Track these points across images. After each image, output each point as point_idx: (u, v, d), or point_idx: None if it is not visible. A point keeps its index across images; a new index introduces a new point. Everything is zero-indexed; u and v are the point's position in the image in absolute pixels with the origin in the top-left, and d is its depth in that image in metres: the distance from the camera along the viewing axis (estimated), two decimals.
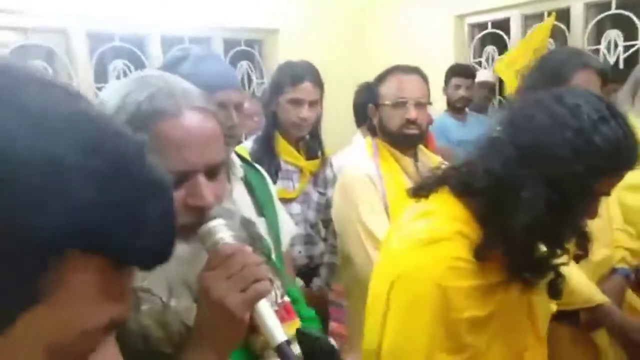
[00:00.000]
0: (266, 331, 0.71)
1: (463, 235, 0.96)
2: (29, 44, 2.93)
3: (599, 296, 1.42)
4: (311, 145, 2.01)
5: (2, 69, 0.36)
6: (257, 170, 1.58)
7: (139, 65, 3.26)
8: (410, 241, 1.01)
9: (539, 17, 3.49)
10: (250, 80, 3.87)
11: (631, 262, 1.61)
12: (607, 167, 0.92)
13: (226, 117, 1.35)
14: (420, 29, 3.87)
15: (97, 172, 0.34)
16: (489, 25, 3.78)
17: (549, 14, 3.28)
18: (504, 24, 3.69)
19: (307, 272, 2.02)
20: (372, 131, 1.85)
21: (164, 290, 0.73)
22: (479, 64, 3.92)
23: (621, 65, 3.14)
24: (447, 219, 0.99)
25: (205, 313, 0.71)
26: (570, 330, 1.46)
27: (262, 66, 3.89)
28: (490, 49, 3.84)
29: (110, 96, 0.74)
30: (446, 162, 1.93)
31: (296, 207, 1.93)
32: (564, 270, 1.02)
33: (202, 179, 0.73)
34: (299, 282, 1.93)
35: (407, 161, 1.75)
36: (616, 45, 3.21)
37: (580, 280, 1.39)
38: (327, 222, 2.04)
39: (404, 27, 3.97)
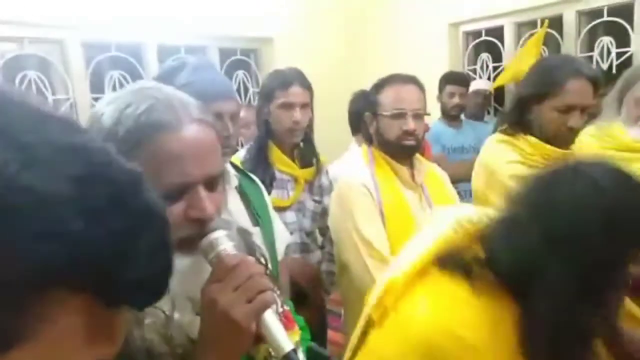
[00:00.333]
0: (273, 341, 0.71)
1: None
2: (24, 54, 2.93)
3: None
4: (305, 152, 2.02)
5: None
6: (252, 180, 1.58)
7: (136, 75, 3.26)
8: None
9: (532, 24, 3.52)
10: (246, 89, 3.88)
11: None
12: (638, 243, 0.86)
13: (222, 127, 1.35)
14: (415, 37, 3.89)
15: (88, 205, 0.32)
16: (483, 33, 3.82)
17: (542, 21, 3.31)
18: (497, 32, 3.72)
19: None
20: (368, 139, 1.85)
21: (167, 303, 0.73)
22: (474, 71, 3.94)
23: (614, 72, 3.16)
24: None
25: (210, 325, 0.70)
26: None
27: (258, 75, 3.90)
28: (484, 56, 3.87)
29: (107, 108, 0.74)
30: (441, 170, 1.95)
31: (291, 216, 1.94)
32: None
33: (202, 191, 0.73)
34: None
35: (403, 169, 1.75)
36: (609, 52, 3.23)
37: None
38: (324, 230, 2.04)
39: (398, 35, 3.99)
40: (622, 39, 3.18)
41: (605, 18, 3.21)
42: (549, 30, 3.29)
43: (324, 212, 2.00)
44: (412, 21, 3.92)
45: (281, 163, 1.94)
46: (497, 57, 3.75)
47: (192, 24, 3.34)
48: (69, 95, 3.09)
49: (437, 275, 0.93)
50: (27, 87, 2.91)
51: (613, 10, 3.18)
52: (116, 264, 0.33)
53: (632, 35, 3.11)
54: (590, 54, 3.31)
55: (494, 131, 1.86)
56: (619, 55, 3.20)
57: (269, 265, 1.01)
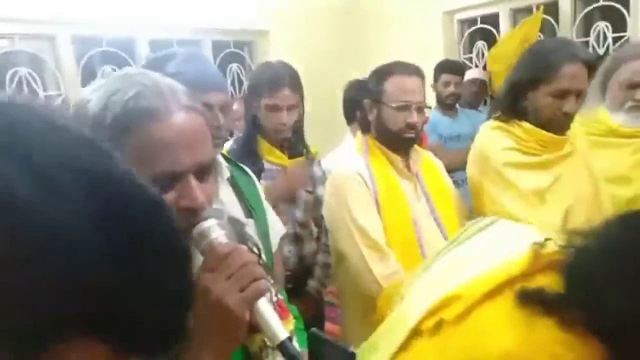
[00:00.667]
0: (267, 329, 0.70)
1: None
2: (15, 50, 2.91)
3: None
4: (294, 143, 2.00)
5: (5, 111, 0.32)
6: (244, 172, 1.56)
7: None
8: None
9: (527, 11, 3.49)
10: (240, 82, 3.86)
11: None
12: None
13: (212, 117, 1.33)
14: (409, 26, 3.87)
15: (110, 248, 0.29)
16: (478, 20, 3.79)
17: (538, 7, 3.28)
18: (493, 19, 3.70)
19: (300, 273, 2.00)
20: (364, 126, 1.82)
21: None
22: (470, 59, 3.92)
23: None
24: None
25: (204, 315, 0.69)
26: None
27: (252, 68, 3.88)
28: (480, 44, 3.85)
29: (93, 95, 0.73)
30: (436, 158, 1.94)
31: (282, 206, 1.92)
32: None
33: (192, 180, 0.72)
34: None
35: (398, 159, 1.74)
36: (605, 37, 3.22)
37: None
38: (319, 221, 2.02)
39: (393, 24, 3.97)
40: (619, 24, 3.16)
41: (602, 3, 3.19)
42: (545, 16, 3.27)
43: (318, 203, 1.98)
44: (406, 10, 3.90)
45: (270, 154, 1.93)
46: (492, 45, 3.72)
47: (184, 17, 3.31)
48: (60, 91, 3.07)
49: (512, 299, 0.84)
50: (18, 84, 2.89)
51: None
52: (140, 311, 0.31)
53: (629, 20, 3.09)
54: (586, 39, 3.29)
55: (488, 118, 1.84)
56: (615, 40, 3.18)
57: (263, 255, 1.00)
